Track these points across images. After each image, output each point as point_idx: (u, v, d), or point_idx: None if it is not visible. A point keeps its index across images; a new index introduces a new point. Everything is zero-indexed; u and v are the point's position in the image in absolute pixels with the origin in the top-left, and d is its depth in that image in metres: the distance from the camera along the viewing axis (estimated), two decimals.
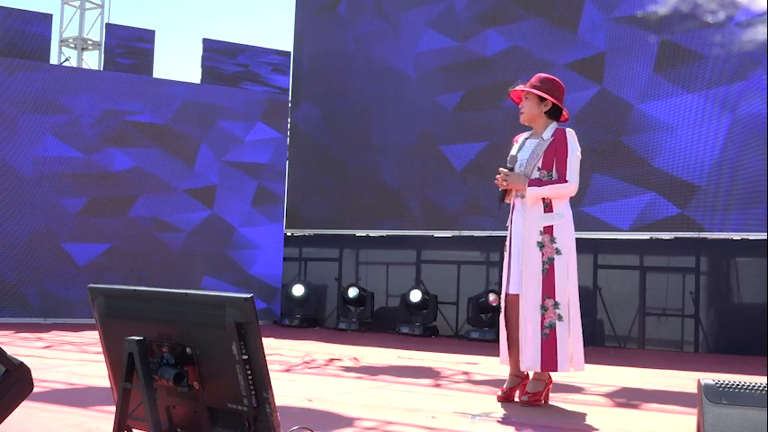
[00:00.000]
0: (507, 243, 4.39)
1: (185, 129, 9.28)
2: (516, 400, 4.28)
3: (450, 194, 8.81)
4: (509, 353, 4.33)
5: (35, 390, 2.65)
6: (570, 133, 4.31)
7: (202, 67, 9.62)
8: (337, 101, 9.72)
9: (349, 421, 3.69)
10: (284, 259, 9.72)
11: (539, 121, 4.38)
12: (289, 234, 9.87)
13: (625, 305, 7.98)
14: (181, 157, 9.23)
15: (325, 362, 5.98)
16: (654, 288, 7.92)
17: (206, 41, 9.67)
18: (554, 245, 4.21)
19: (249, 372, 2.08)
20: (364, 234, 9.53)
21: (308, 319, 9.30)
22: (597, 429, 3.69)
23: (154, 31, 9.48)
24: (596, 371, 5.75)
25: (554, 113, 4.38)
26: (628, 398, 4.69)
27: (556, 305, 4.18)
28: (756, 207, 7.25)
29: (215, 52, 9.68)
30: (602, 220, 7.91)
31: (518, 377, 4.32)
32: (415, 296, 8.50)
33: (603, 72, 8.07)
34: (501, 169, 4.34)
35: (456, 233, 8.86)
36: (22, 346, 6.23)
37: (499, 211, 4.71)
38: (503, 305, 4.37)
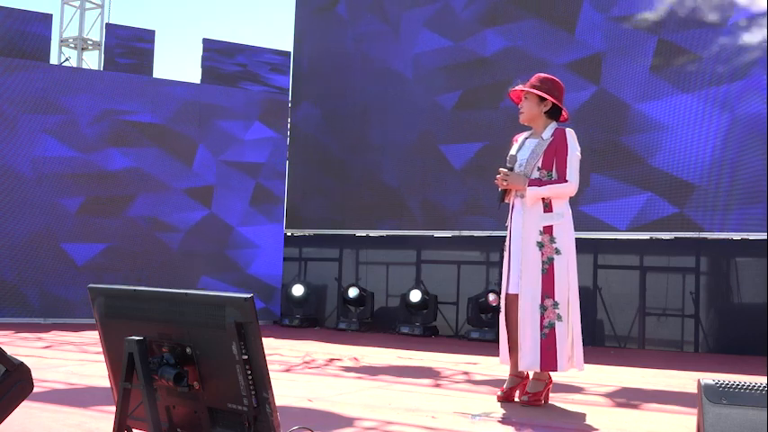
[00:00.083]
0: (507, 243, 4.39)
1: (184, 129, 9.28)
2: (516, 400, 4.28)
3: (450, 194, 8.82)
4: (509, 353, 4.33)
5: (35, 390, 2.65)
6: (570, 133, 4.31)
7: (202, 67, 9.62)
8: (337, 101, 9.72)
9: (349, 421, 3.69)
10: (284, 259, 9.72)
11: (538, 120, 4.38)
12: (289, 234, 9.87)
13: (625, 305, 7.98)
14: (179, 156, 9.24)
15: (325, 362, 5.98)
16: (654, 288, 7.92)
17: (206, 41, 9.67)
18: (554, 245, 4.21)
19: (249, 372, 2.08)
20: (364, 234, 9.53)
21: (308, 319, 9.30)
22: (597, 429, 3.69)
23: (154, 31, 9.49)
24: (596, 371, 5.75)
25: (554, 113, 4.38)
26: (628, 398, 4.69)
27: (555, 305, 4.18)
28: (756, 207, 7.25)
29: (215, 52, 9.69)
30: (600, 220, 7.91)
31: (518, 377, 4.32)
32: (415, 296, 8.50)
33: (601, 72, 8.07)
34: (501, 169, 4.34)
35: (456, 233, 8.86)
36: (22, 346, 6.23)
37: (499, 210, 4.71)
38: (502, 305, 4.37)
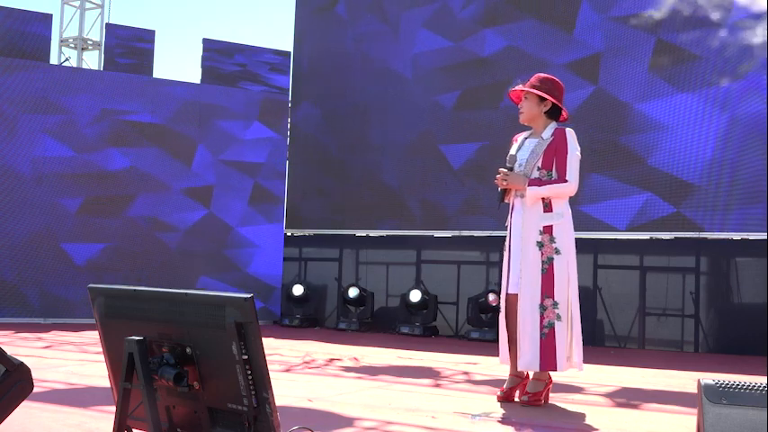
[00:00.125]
0: (507, 243, 4.39)
1: (184, 128, 9.28)
2: (516, 400, 4.28)
3: (449, 194, 8.82)
4: (509, 353, 4.33)
5: (35, 390, 2.65)
6: (570, 133, 4.31)
7: (202, 66, 9.62)
8: (337, 101, 9.73)
9: (349, 421, 3.69)
10: (284, 259, 9.72)
11: (538, 120, 4.38)
12: (289, 234, 9.88)
13: (625, 305, 7.98)
14: (179, 156, 9.24)
15: (325, 362, 5.98)
16: (654, 288, 7.92)
17: (206, 41, 9.67)
18: (553, 244, 4.21)
19: (249, 372, 2.08)
20: (364, 234, 9.53)
21: (308, 319, 9.30)
22: (597, 429, 3.69)
23: (154, 31, 9.49)
24: (596, 371, 5.75)
25: (554, 113, 4.38)
26: (628, 398, 4.69)
27: (555, 305, 4.18)
28: (756, 207, 7.25)
29: (215, 52, 9.69)
30: (599, 220, 7.91)
31: (518, 377, 4.32)
32: (415, 296, 8.50)
33: (599, 72, 8.08)
34: (501, 169, 4.34)
35: (456, 233, 8.86)
36: (22, 346, 6.23)
37: (499, 210, 4.71)
38: (502, 305, 4.37)
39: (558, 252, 4.20)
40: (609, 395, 4.79)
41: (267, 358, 2.10)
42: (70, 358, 5.78)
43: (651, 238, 7.94)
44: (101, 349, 2.55)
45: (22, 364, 2.55)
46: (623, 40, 7.99)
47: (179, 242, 9.16)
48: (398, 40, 9.36)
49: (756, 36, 7.35)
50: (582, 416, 4.04)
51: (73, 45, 13.95)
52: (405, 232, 9.17)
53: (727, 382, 2.29)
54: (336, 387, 4.75)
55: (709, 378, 2.34)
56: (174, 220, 9.16)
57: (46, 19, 8.87)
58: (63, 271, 8.63)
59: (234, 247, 9.42)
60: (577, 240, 4.37)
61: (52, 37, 9.03)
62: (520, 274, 4.24)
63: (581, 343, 4.27)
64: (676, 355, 7.43)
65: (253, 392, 2.09)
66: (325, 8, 9.98)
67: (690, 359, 7.17)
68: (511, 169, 4.33)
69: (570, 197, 4.34)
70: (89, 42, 13.94)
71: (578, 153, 4.30)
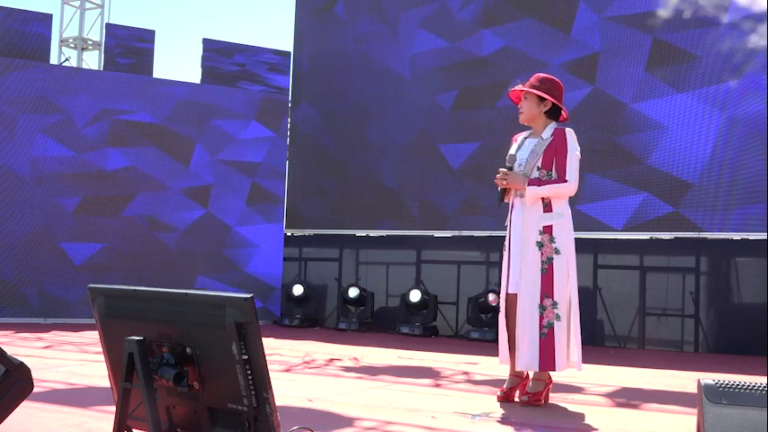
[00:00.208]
0: (506, 242, 4.39)
1: (183, 128, 9.28)
2: (516, 400, 4.28)
3: (449, 194, 8.82)
4: (509, 353, 4.33)
5: (35, 390, 2.65)
6: (570, 133, 4.31)
7: (202, 66, 9.62)
8: (337, 101, 9.73)
9: (349, 421, 3.69)
10: (284, 259, 9.72)
11: (538, 120, 4.38)
12: (289, 234, 9.88)
13: (625, 305, 7.98)
14: (177, 156, 9.24)
15: (325, 362, 5.98)
16: (654, 288, 7.92)
17: (206, 41, 9.67)
18: (553, 244, 4.21)
19: (249, 372, 2.08)
20: (364, 234, 9.53)
21: (308, 319, 9.30)
22: (597, 429, 3.69)
23: (154, 31, 9.49)
24: (596, 371, 5.75)
25: (553, 113, 4.39)
26: (628, 398, 4.69)
27: (554, 305, 4.18)
28: (756, 207, 7.25)
29: (214, 52, 9.69)
30: (597, 219, 7.91)
31: (518, 377, 4.32)
32: (415, 296, 8.50)
33: (596, 72, 8.08)
34: (500, 168, 4.34)
35: (456, 233, 8.86)
36: (22, 346, 6.23)
37: (499, 210, 4.71)
38: (502, 305, 4.36)
39: (557, 252, 4.20)
40: (609, 395, 4.79)
41: (267, 358, 2.10)
42: (70, 358, 5.78)
43: (651, 238, 7.94)
44: (101, 349, 2.55)
45: (22, 364, 2.55)
46: (621, 40, 7.99)
47: (178, 242, 9.16)
48: (398, 41, 9.37)
49: (756, 36, 7.35)
50: (582, 416, 4.04)
51: (73, 45, 13.95)
52: (405, 232, 9.17)
53: (727, 382, 2.29)
54: (336, 387, 4.75)
55: (710, 378, 2.34)
56: (172, 220, 9.16)
57: (46, 19, 8.87)
58: (62, 271, 8.63)
59: (233, 247, 9.42)
60: (577, 240, 4.37)
61: (52, 37, 9.04)
62: (519, 274, 4.24)
63: (580, 343, 4.27)
64: (676, 355, 7.43)
65: (253, 392, 2.09)
66: (325, 8, 9.98)
67: (690, 359, 7.17)
68: (510, 169, 4.33)
69: (570, 197, 4.34)
70: (89, 42, 13.94)
71: (578, 153, 4.30)
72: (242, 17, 33.54)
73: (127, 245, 8.91)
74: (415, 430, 3.56)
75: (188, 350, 2.22)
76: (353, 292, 8.93)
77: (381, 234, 9.40)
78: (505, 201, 4.42)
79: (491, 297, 7.97)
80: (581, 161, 4.35)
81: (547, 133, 4.32)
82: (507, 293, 4.32)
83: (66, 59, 13.77)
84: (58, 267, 8.61)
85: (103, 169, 8.88)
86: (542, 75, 4.45)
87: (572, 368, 4.28)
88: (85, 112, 8.83)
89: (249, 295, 2.06)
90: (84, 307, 8.47)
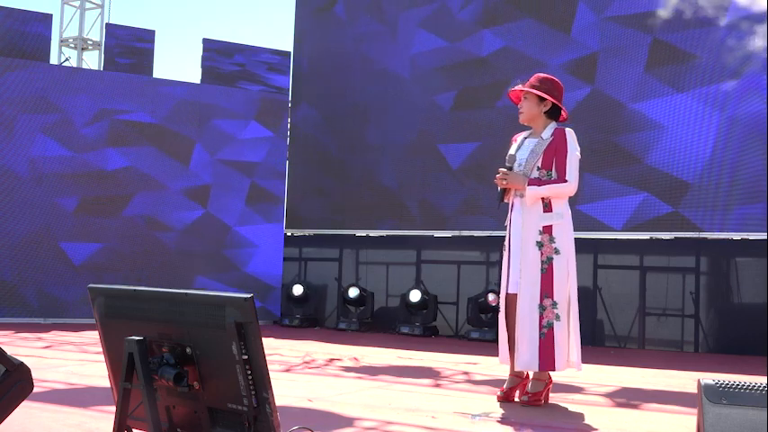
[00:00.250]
0: (506, 242, 4.39)
1: (183, 128, 9.28)
2: (516, 400, 4.28)
3: (449, 194, 8.82)
4: (509, 353, 4.33)
5: (35, 390, 2.65)
6: (570, 133, 4.31)
7: (202, 66, 9.62)
8: (337, 101, 9.73)
9: (349, 421, 3.69)
10: (284, 259, 9.72)
11: (538, 120, 4.38)
12: (289, 234, 9.88)
13: (625, 305, 7.98)
14: (177, 156, 9.24)
15: (325, 362, 5.98)
16: (654, 288, 7.92)
17: (206, 41, 9.67)
18: (553, 244, 4.21)
19: (249, 372, 2.08)
20: (364, 234, 9.53)
21: (308, 319, 9.30)
22: (597, 429, 3.69)
23: (154, 31, 9.49)
24: (596, 371, 5.75)
25: (553, 113, 4.39)
26: (628, 398, 4.69)
27: (554, 305, 4.18)
28: (756, 207, 7.25)
29: (214, 52, 9.69)
30: (597, 219, 7.91)
31: (518, 377, 4.32)
32: (415, 296, 8.50)
33: (596, 72, 8.08)
34: (500, 168, 4.34)
35: (456, 233, 8.86)
36: (22, 346, 6.23)
37: (498, 210, 4.71)
38: (502, 305, 4.36)
39: (557, 252, 4.20)
40: (609, 395, 4.79)
41: (267, 358, 2.10)
42: (70, 358, 5.78)
43: (651, 238, 7.94)
44: (101, 349, 2.55)
45: (22, 364, 2.54)
46: (620, 41, 7.99)
47: (178, 242, 9.16)
48: (397, 41, 9.37)
49: (756, 36, 7.35)
50: (582, 416, 4.04)
51: (73, 45, 13.95)
52: (404, 232, 9.17)
53: (727, 382, 2.29)
54: (336, 387, 4.75)
55: (710, 378, 2.34)
56: (172, 220, 9.16)
57: (46, 19, 8.86)
58: (62, 271, 8.63)
59: (233, 247, 9.42)
60: (577, 240, 4.37)
61: (52, 37, 9.04)
62: (519, 274, 4.24)
63: (579, 343, 4.27)
64: (676, 355, 7.43)
65: (253, 392, 2.09)
66: (325, 8, 9.98)
67: (690, 359, 7.17)
68: (510, 169, 4.33)
69: (570, 197, 4.34)
70: (89, 42, 13.94)
71: (578, 153, 4.30)
72: (242, 17, 33.55)
73: (126, 245, 8.91)
74: (415, 430, 3.56)
75: (188, 350, 2.22)
76: (353, 292, 8.92)
77: (381, 234, 9.40)
78: (505, 201, 4.41)
79: (491, 297, 7.97)
80: (581, 161, 4.35)
81: (547, 133, 4.32)
82: (507, 293, 4.32)
83: (66, 59, 13.77)
84: (57, 267, 8.61)
85: (103, 169, 8.88)
86: (542, 75, 4.45)
87: (572, 368, 4.28)
88: (85, 112, 8.83)
89: (249, 295, 2.06)
90: (83, 307, 8.47)
